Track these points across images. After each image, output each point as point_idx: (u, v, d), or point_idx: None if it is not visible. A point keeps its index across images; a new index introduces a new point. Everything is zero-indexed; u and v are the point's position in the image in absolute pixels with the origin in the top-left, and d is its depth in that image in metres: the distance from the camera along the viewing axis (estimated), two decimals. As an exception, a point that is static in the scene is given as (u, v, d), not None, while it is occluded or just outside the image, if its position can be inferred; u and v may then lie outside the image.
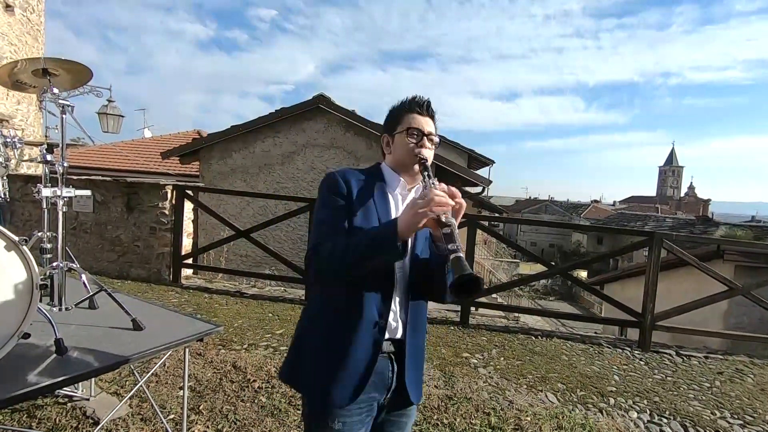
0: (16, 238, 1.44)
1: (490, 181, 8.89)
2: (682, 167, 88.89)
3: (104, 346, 1.77)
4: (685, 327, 4.32)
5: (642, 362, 3.85)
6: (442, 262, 1.08)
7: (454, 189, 1.08)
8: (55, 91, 1.85)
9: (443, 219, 1.01)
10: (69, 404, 2.41)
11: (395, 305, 1.18)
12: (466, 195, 10.27)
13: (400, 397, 1.22)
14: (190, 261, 5.20)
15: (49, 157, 1.82)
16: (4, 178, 1.94)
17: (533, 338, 4.20)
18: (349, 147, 8.25)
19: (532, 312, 4.76)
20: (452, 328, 4.29)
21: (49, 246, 2.05)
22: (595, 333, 5.09)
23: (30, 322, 1.50)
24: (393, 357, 1.20)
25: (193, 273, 5.44)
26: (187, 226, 5.20)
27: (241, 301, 4.55)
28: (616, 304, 4.44)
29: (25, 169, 6.63)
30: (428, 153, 1.22)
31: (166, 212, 4.99)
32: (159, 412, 2.23)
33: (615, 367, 3.68)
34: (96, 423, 2.27)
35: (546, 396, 3.04)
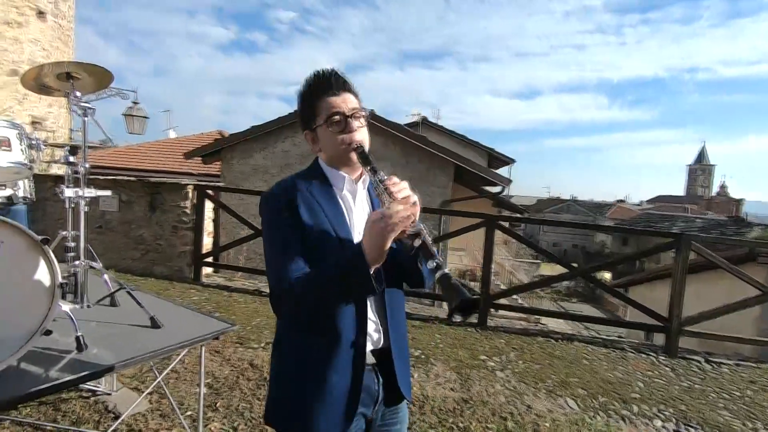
0: (39, 238, 1.48)
1: (510, 181, 8.76)
2: (712, 165, 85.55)
3: (123, 344, 1.81)
4: (714, 332, 4.14)
5: (668, 368, 3.72)
6: (410, 254, 0.96)
7: (403, 184, 0.97)
8: (78, 94, 1.90)
9: (409, 230, 0.91)
10: (92, 398, 2.47)
11: (372, 313, 1.07)
12: (486, 195, 10.14)
13: (389, 396, 1.12)
14: (210, 259, 5.30)
15: (71, 159, 1.86)
16: (31, 179, 2.00)
17: (553, 341, 4.11)
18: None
19: (553, 315, 4.64)
20: (470, 329, 4.24)
21: (72, 245, 2.12)
22: (619, 337, 4.95)
23: (52, 320, 1.55)
24: (377, 367, 1.10)
25: (214, 271, 5.53)
26: (208, 225, 5.30)
27: (260, 300, 4.61)
28: (640, 308, 4.30)
29: (56, 170, 6.88)
30: (361, 135, 1.07)
31: (187, 211, 5.10)
32: (177, 409, 2.27)
33: (639, 373, 3.56)
34: (117, 417, 2.33)
35: (566, 402, 2.96)
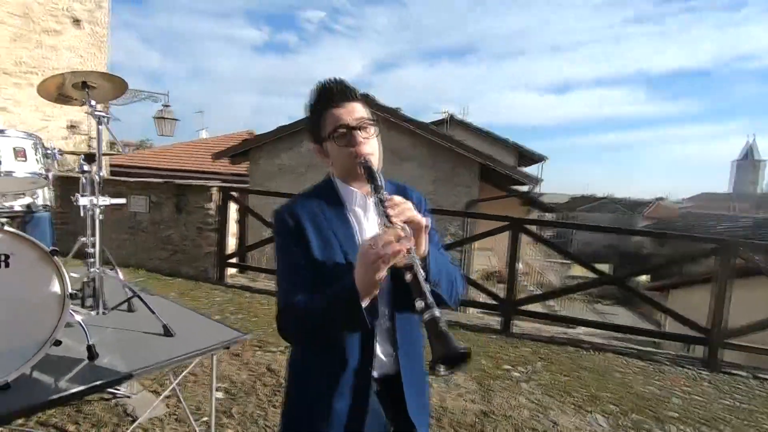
0: (49, 249, 1.49)
1: (539, 180, 8.48)
2: (763, 161, 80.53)
3: (134, 353, 1.81)
4: (763, 346, 3.83)
5: (709, 384, 3.46)
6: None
7: (404, 206, 0.90)
8: (93, 102, 1.92)
9: (402, 263, 0.83)
10: (113, 401, 2.52)
11: (380, 339, 1.03)
12: (514, 194, 9.87)
13: (401, 424, 1.06)
14: (235, 260, 5.37)
15: (86, 167, 1.88)
16: (50, 187, 2.03)
17: (583, 351, 3.91)
18: (392, 146, 8.17)
19: (582, 323, 4.43)
20: (493, 336, 4.09)
21: (92, 251, 2.15)
22: (655, 343, 4.68)
23: (61, 330, 1.55)
24: (387, 394, 1.05)
25: (239, 272, 5.61)
26: (232, 227, 5.38)
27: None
28: (678, 318, 4.03)
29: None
30: (369, 147, 1.01)
31: (212, 213, 5.19)
32: (190, 416, 2.27)
33: (677, 388, 3.33)
34: (134, 421, 2.37)
35: (595, 418, 2.80)
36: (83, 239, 2.14)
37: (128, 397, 2.55)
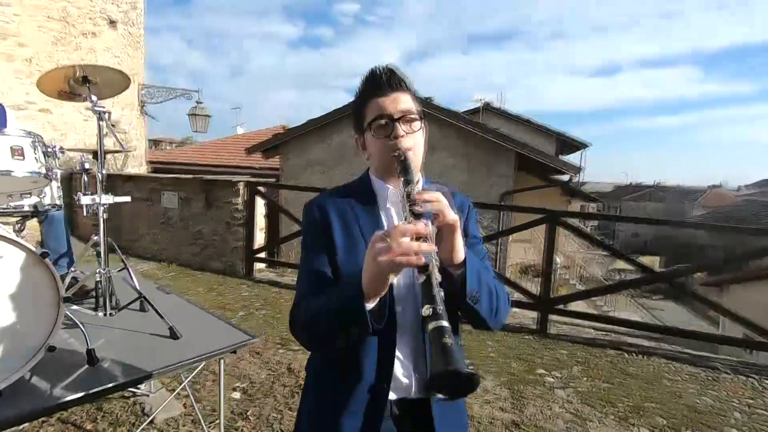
0: (39, 252, 1.42)
1: (580, 168, 7.99)
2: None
3: (137, 357, 1.74)
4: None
5: (776, 396, 3.07)
6: (457, 287, 0.84)
7: (434, 199, 0.80)
8: (94, 98, 1.85)
9: (419, 262, 0.71)
10: (131, 399, 2.51)
11: (400, 353, 0.92)
12: (553, 184, 9.39)
13: None
14: (263, 255, 5.37)
15: (87, 165, 1.82)
16: (59, 186, 1.99)
17: (627, 355, 3.58)
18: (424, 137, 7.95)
19: (627, 324, 4.08)
20: (527, 337, 3.84)
21: (102, 250, 2.11)
22: (711, 345, 4.25)
23: (56, 336, 1.50)
24: (412, 419, 0.92)
25: (267, 266, 5.61)
26: (260, 221, 5.37)
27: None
28: (737, 319, 3.61)
29: (129, 169, 7.41)
30: (409, 141, 0.93)
31: (239, 208, 5.20)
32: (201, 418, 2.22)
33: (736, 400, 2.97)
34: (151, 422, 2.35)
35: (640, 433, 2.52)
36: (96, 237, 2.11)
37: (147, 395, 2.54)
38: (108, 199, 1.87)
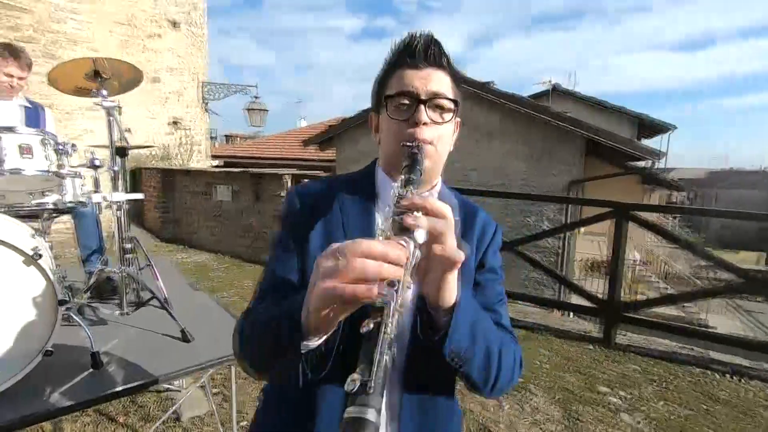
0: (30, 252, 1.38)
1: (660, 153, 7.05)
2: None
3: (144, 360, 1.68)
4: None
5: None
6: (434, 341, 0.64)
7: (440, 219, 0.56)
8: (104, 93, 1.81)
9: (375, 299, 0.48)
10: (164, 393, 2.53)
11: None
12: (630, 171, 8.43)
13: None
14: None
15: (96, 162, 1.79)
16: (83, 183, 1.99)
17: (715, 375, 3.02)
18: (481, 124, 7.47)
19: (717, 339, 3.48)
20: (589, 347, 3.39)
21: (129, 246, 2.10)
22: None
23: (54, 339, 1.46)
24: None
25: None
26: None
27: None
28: None
29: (195, 164, 7.79)
30: (429, 132, 0.72)
31: (286, 201, 5.21)
32: (220, 426, 2.15)
33: None
34: (178, 419, 2.34)
35: (728, 478, 2.06)
36: (127, 234, 2.10)
37: (178, 391, 2.54)
38: (119, 196, 1.83)
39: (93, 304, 1.99)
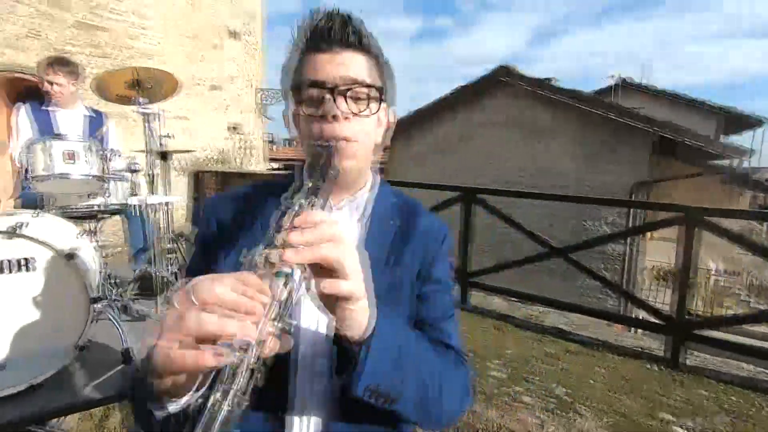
0: (67, 251, 1.46)
1: (746, 152, 6.26)
2: None
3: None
4: None
5: None
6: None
7: (319, 237, 0.46)
8: (141, 100, 1.90)
9: (220, 350, 0.38)
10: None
11: None
12: (711, 171, 7.57)
13: None
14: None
15: (134, 166, 1.88)
16: (128, 186, 2.11)
17: (808, 408, 2.58)
18: (532, 121, 7.10)
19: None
20: (651, 366, 3.05)
21: (170, 246, 2.20)
22: None
23: (88, 335, 1.54)
24: None
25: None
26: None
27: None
28: None
29: (254, 167, 8.14)
30: (345, 128, 0.62)
31: (333, 203, 5.27)
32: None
33: None
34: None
35: None
36: (174, 235, 2.21)
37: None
38: (155, 199, 1.91)
39: (135, 301, 2.09)
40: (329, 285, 0.46)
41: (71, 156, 1.71)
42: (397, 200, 0.76)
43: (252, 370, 0.39)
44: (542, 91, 6.94)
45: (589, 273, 3.39)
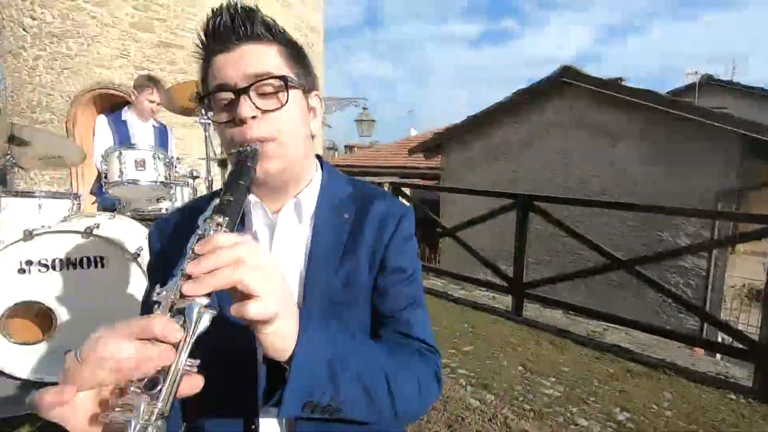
0: (133, 250, 1.59)
1: None
2: None
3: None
4: None
5: None
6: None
7: (226, 259, 0.42)
8: (203, 111, 2.03)
9: (132, 385, 0.37)
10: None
11: None
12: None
13: None
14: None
15: (195, 173, 2.01)
16: (191, 191, 2.26)
17: None
18: (601, 124, 6.68)
19: None
20: (733, 396, 2.72)
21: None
22: None
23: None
24: None
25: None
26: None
27: (443, 304, 4.30)
28: None
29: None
30: (262, 128, 0.59)
31: (385, 209, 5.33)
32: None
33: None
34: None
35: None
36: None
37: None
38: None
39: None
40: (236, 309, 0.43)
41: (142, 164, 1.87)
42: (353, 190, 0.72)
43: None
44: (609, 90, 6.51)
45: (653, 285, 3.10)
